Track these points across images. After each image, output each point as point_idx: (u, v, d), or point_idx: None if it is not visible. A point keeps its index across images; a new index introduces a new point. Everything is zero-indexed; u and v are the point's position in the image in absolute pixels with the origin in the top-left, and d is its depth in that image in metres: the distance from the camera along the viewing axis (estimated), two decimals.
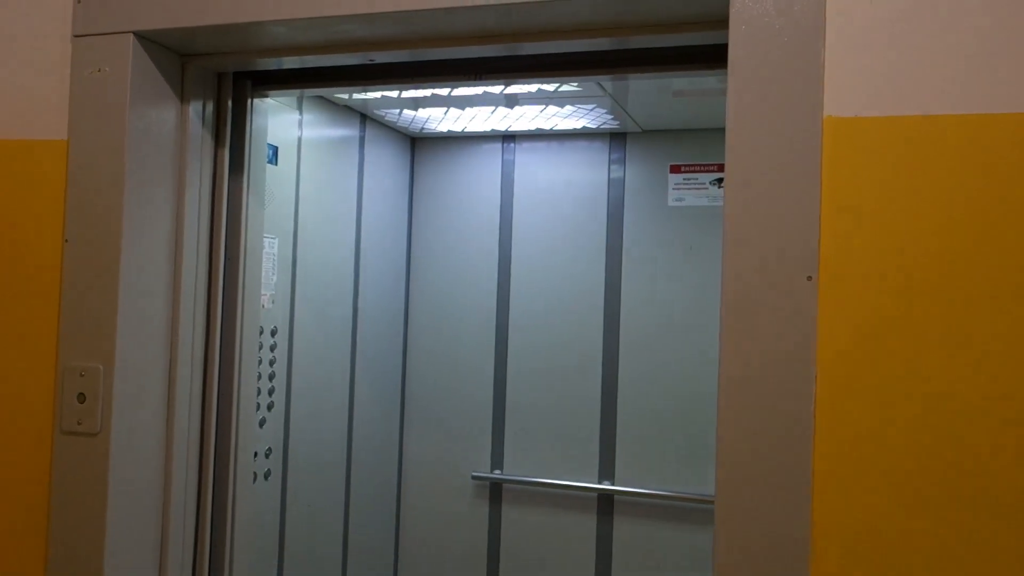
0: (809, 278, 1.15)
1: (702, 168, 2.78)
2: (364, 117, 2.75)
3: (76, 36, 1.59)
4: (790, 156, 1.17)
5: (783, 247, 1.17)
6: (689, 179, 2.79)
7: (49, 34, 1.62)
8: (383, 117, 2.75)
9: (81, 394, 1.53)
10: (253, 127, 1.81)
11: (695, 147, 2.79)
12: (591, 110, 2.56)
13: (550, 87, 2.26)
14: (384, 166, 2.90)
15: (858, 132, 1.16)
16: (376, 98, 2.47)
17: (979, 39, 1.13)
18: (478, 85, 1.89)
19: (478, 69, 1.66)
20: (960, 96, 1.13)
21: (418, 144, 3.10)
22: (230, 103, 1.76)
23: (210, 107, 1.73)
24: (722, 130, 1.21)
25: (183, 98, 1.67)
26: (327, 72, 1.74)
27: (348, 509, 2.72)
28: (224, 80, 1.75)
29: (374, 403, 2.87)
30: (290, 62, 1.67)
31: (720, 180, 2.75)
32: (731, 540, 1.18)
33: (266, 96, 1.84)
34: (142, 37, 1.56)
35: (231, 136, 1.77)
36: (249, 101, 1.79)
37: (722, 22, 1.27)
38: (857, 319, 1.15)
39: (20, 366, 1.60)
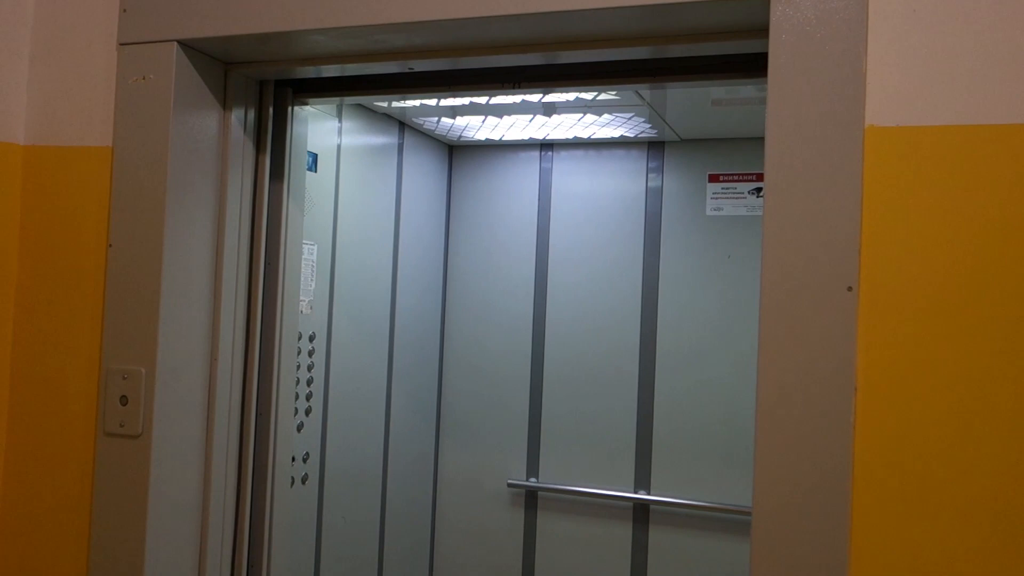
0: (849, 288, 1.14)
1: (740, 177, 2.76)
2: (403, 125, 2.77)
3: (121, 44, 1.61)
4: (831, 166, 1.16)
5: (823, 257, 1.15)
6: (727, 188, 2.78)
7: (94, 42, 1.65)
8: (421, 125, 2.77)
9: (123, 396, 1.56)
10: (293, 134, 1.83)
11: (733, 156, 2.77)
12: (629, 119, 2.55)
13: (588, 96, 2.25)
14: (422, 174, 2.91)
15: (901, 142, 1.14)
16: (415, 106, 2.49)
17: None
18: (516, 94, 1.90)
19: (516, 77, 1.67)
20: (1004, 106, 1.11)
21: (456, 152, 3.12)
22: (271, 111, 1.78)
23: (251, 115, 1.76)
24: (761, 139, 1.20)
25: (225, 105, 1.70)
26: (366, 80, 1.76)
27: (384, 514, 2.73)
28: (266, 88, 1.77)
29: (410, 409, 2.89)
30: (330, 70, 1.69)
31: (759, 189, 2.72)
32: (768, 557, 1.17)
33: (306, 104, 1.86)
34: (185, 45, 1.59)
35: (272, 143, 1.79)
36: (290, 109, 1.81)
37: (762, 31, 1.26)
38: (898, 330, 1.13)
39: (65, 368, 1.63)
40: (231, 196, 1.70)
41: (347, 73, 1.71)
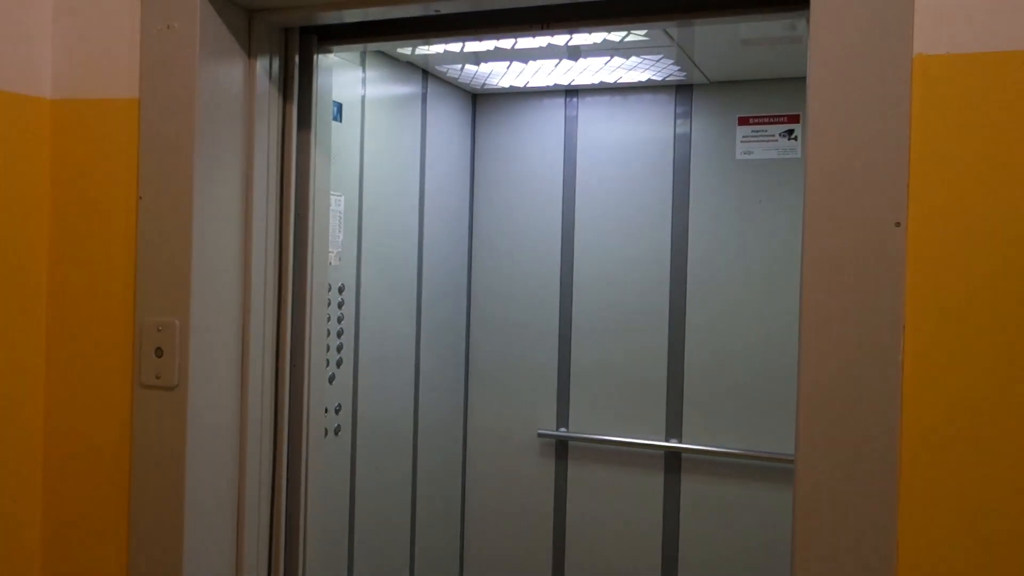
0: (897, 224, 1.11)
1: (771, 120, 2.71)
2: (426, 73, 2.73)
3: None
4: (877, 97, 1.12)
5: (869, 192, 1.12)
6: (758, 131, 2.73)
7: None
8: (445, 73, 2.73)
9: (159, 348, 1.56)
10: (319, 84, 1.80)
11: (764, 98, 2.72)
12: (657, 61, 2.50)
13: (615, 37, 2.21)
14: (446, 123, 2.88)
15: (951, 70, 1.10)
16: (438, 53, 2.45)
17: None
18: (544, 35, 1.85)
19: (544, 17, 1.63)
20: None
21: (479, 100, 3.08)
22: (297, 59, 1.75)
23: (276, 63, 1.73)
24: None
25: (250, 53, 1.67)
26: (391, 25, 1.73)
27: (415, 465, 2.75)
28: (291, 35, 1.74)
29: (439, 360, 2.89)
30: (353, 15, 1.65)
31: (790, 132, 2.67)
32: (813, 502, 1.15)
33: (330, 51, 1.83)
34: None
35: (298, 92, 1.76)
36: (315, 56, 1.79)
37: None
38: (948, 266, 1.10)
39: (100, 322, 1.63)
40: (258, 146, 1.68)
41: (370, 18, 1.67)
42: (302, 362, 1.77)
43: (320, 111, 1.81)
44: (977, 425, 1.10)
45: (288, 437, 1.76)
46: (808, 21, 1.17)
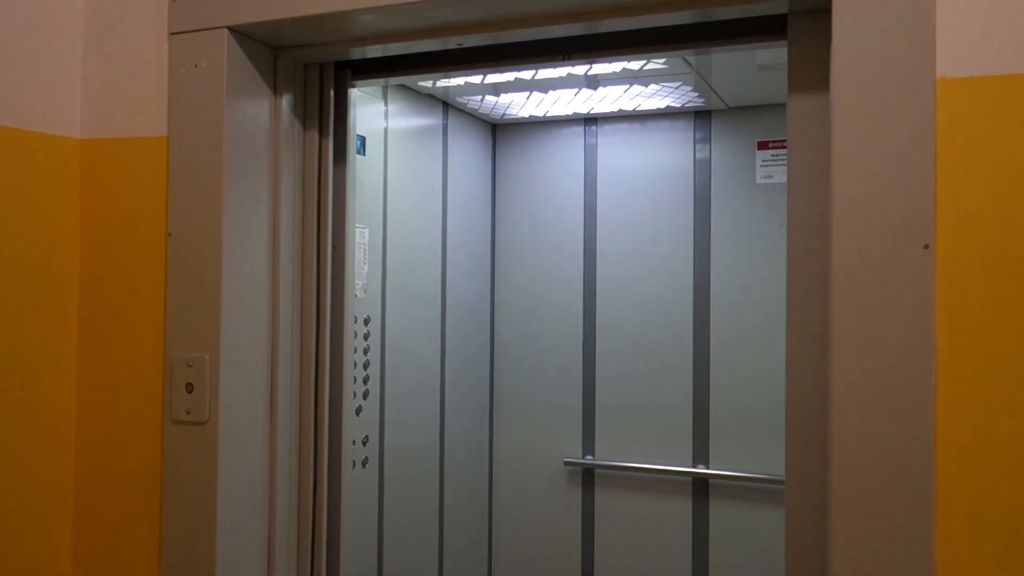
0: (926, 246, 1.11)
1: None
2: (446, 105, 2.76)
3: (172, 34, 1.62)
4: (902, 121, 1.13)
5: (897, 215, 1.13)
6: (778, 155, 2.73)
7: (145, 33, 1.66)
8: (465, 104, 2.76)
9: (189, 384, 1.57)
10: (346, 117, 1.82)
11: (783, 122, 2.72)
12: (676, 88, 2.52)
13: (635, 66, 2.23)
14: (467, 154, 2.90)
15: (975, 93, 1.11)
16: (459, 85, 2.48)
17: None
18: (565, 65, 1.88)
19: (565, 49, 1.65)
20: None
21: (499, 130, 3.10)
22: (332, 93, 1.78)
23: (300, 98, 1.75)
24: None
25: (276, 90, 1.70)
26: (415, 59, 1.75)
27: (442, 496, 2.74)
28: (326, 70, 1.76)
29: (464, 390, 2.89)
30: (375, 51, 1.68)
31: None
32: (848, 526, 1.15)
33: (354, 86, 1.85)
34: (235, 32, 1.59)
35: (319, 126, 1.78)
36: (349, 91, 1.81)
37: None
38: (978, 287, 1.10)
39: (130, 358, 1.65)
40: (285, 181, 1.71)
41: (391, 53, 1.70)
42: (331, 395, 1.78)
43: (347, 144, 1.84)
44: (1013, 445, 1.09)
45: (316, 471, 1.76)
46: (831, 48, 1.18)
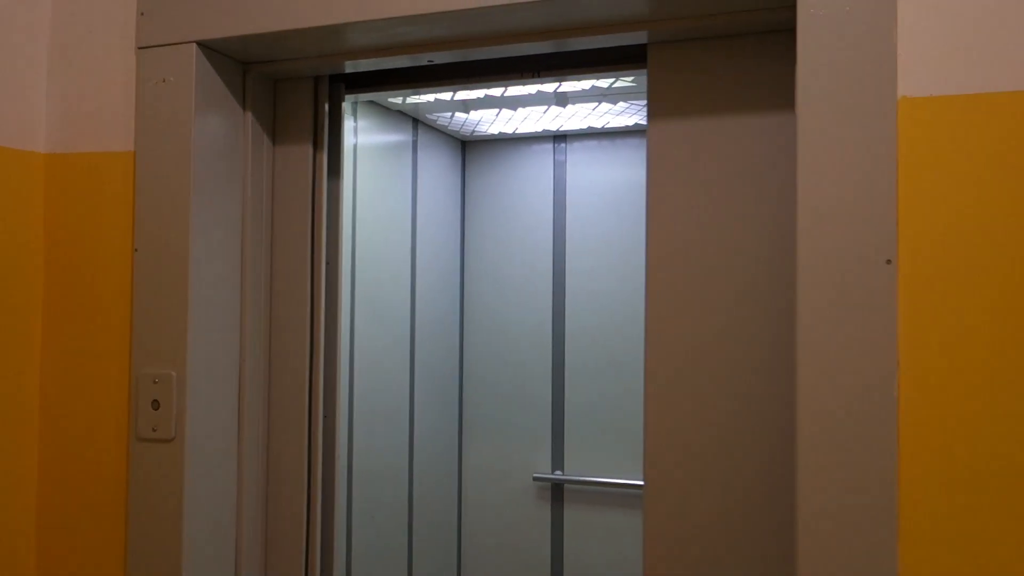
0: (888, 261, 1.13)
1: None
2: (416, 121, 2.76)
3: (140, 48, 1.61)
4: (864, 139, 1.15)
5: (860, 230, 1.14)
6: None
7: (113, 47, 1.65)
8: (435, 121, 2.76)
9: (155, 400, 1.55)
10: (339, 130, 1.83)
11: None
12: (644, 106, 2.54)
13: (604, 83, 2.24)
14: (436, 170, 2.91)
15: (935, 111, 1.13)
16: (429, 102, 2.48)
17: None
18: (535, 83, 1.89)
19: (536, 66, 1.66)
20: None
21: (469, 147, 3.11)
22: (327, 106, 1.77)
23: (270, 113, 1.75)
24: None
25: (245, 105, 1.69)
26: (389, 75, 1.75)
27: (411, 512, 2.73)
28: (320, 84, 1.76)
29: (433, 406, 2.88)
30: (349, 66, 1.68)
31: None
32: (814, 544, 1.16)
33: (345, 99, 1.84)
34: (204, 46, 1.58)
35: (314, 140, 1.77)
36: (332, 105, 1.81)
37: (788, 7, 1.25)
38: (940, 302, 1.12)
39: (95, 375, 1.63)
40: (254, 195, 1.70)
41: (360, 69, 1.70)
42: (325, 411, 1.77)
43: (340, 159, 1.83)
44: (976, 457, 1.11)
45: (309, 486, 1.74)
46: (796, 66, 1.20)
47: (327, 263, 1.77)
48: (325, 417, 1.76)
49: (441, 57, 1.59)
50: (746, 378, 1.41)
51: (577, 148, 2.99)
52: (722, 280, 1.44)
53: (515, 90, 2.31)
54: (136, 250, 1.60)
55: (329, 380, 1.77)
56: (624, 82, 2.24)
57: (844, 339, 1.15)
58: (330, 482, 1.76)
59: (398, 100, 2.49)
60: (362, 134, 2.45)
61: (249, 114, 1.70)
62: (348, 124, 2.39)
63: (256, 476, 1.70)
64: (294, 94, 1.76)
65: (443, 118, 2.72)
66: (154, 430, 1.56)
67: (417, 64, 1.65)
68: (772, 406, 1.39)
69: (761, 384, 1.40)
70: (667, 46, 1.48)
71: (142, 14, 1.61)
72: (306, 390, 1.73)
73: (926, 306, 1.13)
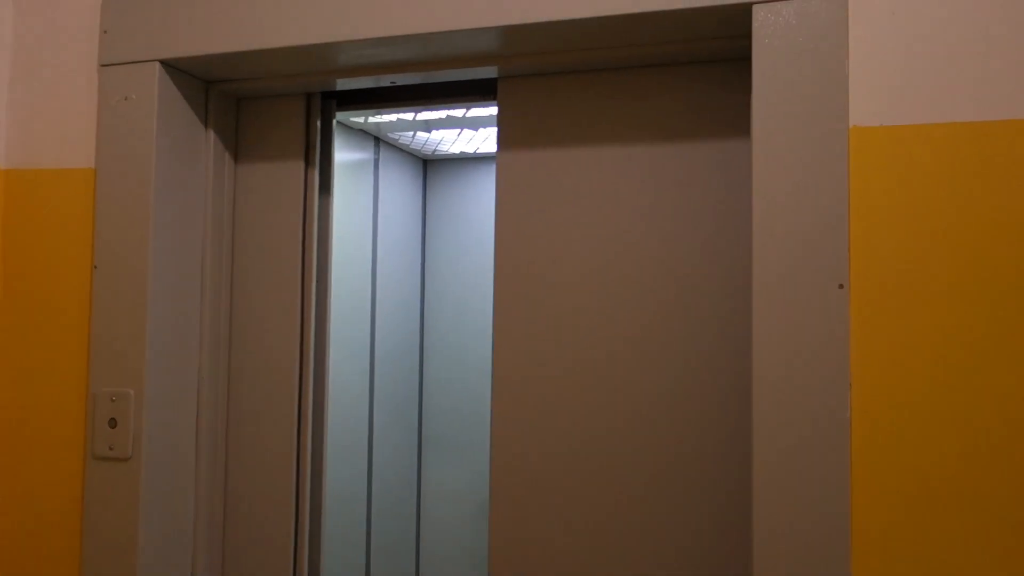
0: (841, 286, 1.16)
1: None
2: (378, 140, 2.77)
3: (103, 66, 1.61)
4: (817, 167, 1.18)
5: (813, 256, 1.18)
6: None
7: (75, 64, 1.64)
8: (397, 140, 2.78)
9: (112, 419, 1.54)
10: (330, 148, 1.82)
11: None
12: None
13: None
14: (398, 189, 2.92)
15: (884, 141, 1.17)
16: (391, 121, 2.49)
17: (1004, 45, 1.14)
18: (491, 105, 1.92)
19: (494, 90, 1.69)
20: (985, 102, 1.14)
21: (430, 166, 3.13)
22: (319, 124, 1.77)
23: (231, 131, 1.75)
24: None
25: (207, 123, 1.69)
26: (365, 94, 1.76)
27: (369, 535, 2.72)
28: (312, 101, 1.76)
29: (392, 428, 2.88)
30: (317, 85, 1.69)
31: None
32: (769, 554, 1.19)
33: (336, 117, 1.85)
34: (168, 65, 1.59)
35: (306, 157, 1.76)
36: (333, 122, 1.82)
37: (744, 36, 1.28)
38: (891, 325, 1.16)
39: (52, 392, 1.62)
40: (214, 214, 1.70)
41: (328, 88, 1.72)
42: (314, 427, 1.77)
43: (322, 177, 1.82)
44: (926, 478, 1.14)
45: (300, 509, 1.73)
46: (752, 95, 1.24)
47: (317, 280, 1.76)
48: (314, 433, 1.75)
49: (403, 79, 1.61)
50: (585, 391, 1.54)
51: None
52: (561, 297, 1.55)
53: (476, 111, 2.33)
54: (95, 267, 1.59)
55: (319, 396, 1.76)
56: None
57: (798, 362, 1.18)
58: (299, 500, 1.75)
59: (360, 119, 2.50)
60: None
61: (211, 132, 1.70)
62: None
63: (213, 495, 1.69)
64: (270, 112, 1.76)
65: (405, 137, 2.73)
66: (111, 448, 1.54)
67: (379, 85, 1.67)
68: (610, 414, 1.50)
69: (601, 394, 1.52)
70: (516, 80, 1.59)
71: (105, 32, 1.61)
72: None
73: (877, 328, 1.16)
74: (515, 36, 1.41)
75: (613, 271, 1.52)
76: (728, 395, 1.41)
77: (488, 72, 1.57)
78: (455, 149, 2.90)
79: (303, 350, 1.73)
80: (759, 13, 1.22)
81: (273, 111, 1.76)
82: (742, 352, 1.40)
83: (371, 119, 2.48)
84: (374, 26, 1.43)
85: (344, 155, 2.58)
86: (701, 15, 1.27)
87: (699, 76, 1.47)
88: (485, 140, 2.75)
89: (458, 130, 2.61)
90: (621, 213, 1.52)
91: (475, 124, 2.52)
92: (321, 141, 1.77)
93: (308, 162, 1.74)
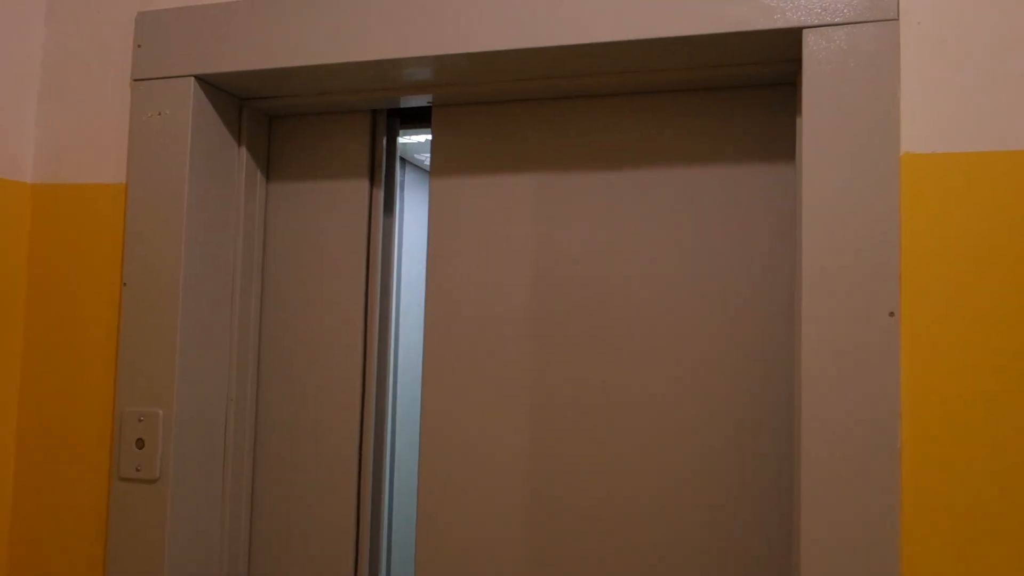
0: (891, 314, 1.14)
1: None
2: (405, 162, 2.76)
3: (136, 80, 1.60)
4: (868, 194, 1.17)
5: (863, 284, 1.16)
6: None
7: (107, 78, 1.63)
8: (422, 162, 2.77)
9: (140, 440, 1.52)
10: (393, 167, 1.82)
11: None
12: None
13: None
14: (420, 210, 2.90)
15: (937, 168, 1.15)
16: (419, 142, 2.48)
17: None
18: None
19: None
20: None
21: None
22: (384, 142, 1.76)
23: (264, 149, 1.74)
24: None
25: (240, 141, 1.68)
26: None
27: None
28: (379, 119, 1.74)
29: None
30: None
31: None
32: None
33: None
34: (202, 81, 1.58)
35: (371, 176, 1.75)
36: (397, 139, 1.84)
37: (794, 61, 1.27)
38: (943, 354, 1.14)
39: (76, 412, 1.59)
40: (246, 232, 1.69)
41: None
42: (376, 447, 1.74)
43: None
44: (979, 512, 1.12)
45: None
46: (799, 121, 1.22)
47: (381, 297, 1.73)
48: (360, 466, 1.71)
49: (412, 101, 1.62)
50: (515, 405, 1.57)
51: None
52: (488, 317, 1.61)
53: None
54: (125, 284, 1.57)
55: (380, 425, 1.73)
56: None
57: (846, 391, 1.16)
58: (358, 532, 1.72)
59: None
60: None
61: (244, 149, 1.69)
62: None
63: (241, 519, 1.67)
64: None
65: (427, 158, 2.72)
66: (138, 470, 1.52)
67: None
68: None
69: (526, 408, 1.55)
70: (449, 108, 1.65)
71: (139, 46, 1.60)
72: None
73: (928, 358, 1.14)
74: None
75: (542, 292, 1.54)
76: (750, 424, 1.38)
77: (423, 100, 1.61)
78: None
79: (366, 370, 1.70)
80: (809, 38, 1.21)
81: (323, 129, 1.75)
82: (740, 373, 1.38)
83: (401, 139, 2.46)
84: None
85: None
86: (750, 39, 1.26)
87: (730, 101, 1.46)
88: None
89: None
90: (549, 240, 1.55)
91: None
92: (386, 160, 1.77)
93: (373, 181, 1.73)
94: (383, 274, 1.74)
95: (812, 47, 1.21)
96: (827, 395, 1.16)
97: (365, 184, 1.71)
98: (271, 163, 1.76)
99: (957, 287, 1.14)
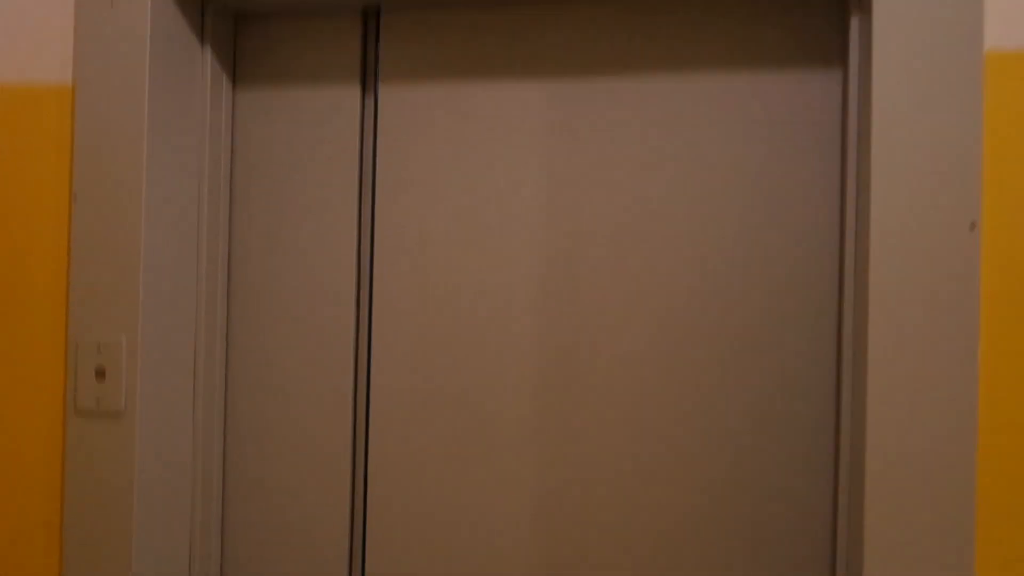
0: (972, 225, 1.06)
1: None
2: None
3: None
4: (947, 96, 1.07)
5: (941, 193, 1.07)
6: None
7: None
8: None
9: (100, 369, 1.34)
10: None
11: None
12: None
13: None
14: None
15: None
16: None
17: None
18: None
19: None
20: None
21: None
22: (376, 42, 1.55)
23: (229, 51, 1.55)
24: None
25: (203, 40, 1.49)
26: None
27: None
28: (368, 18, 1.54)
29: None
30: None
31: None
32: (886, 498, 1.08)
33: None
34: None
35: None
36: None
37: None
38: None
39: (22, 341, 1.40)
40: (211, 142, 1.50)
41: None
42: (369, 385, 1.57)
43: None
44: None
45: None
46: (871, 19, 1.11)
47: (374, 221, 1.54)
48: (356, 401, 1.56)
49: None
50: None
51: None
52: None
53: None
54: (75, 197, 1.38)
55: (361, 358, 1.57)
56: None
57: (921, 309, 1.07)
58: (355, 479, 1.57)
59: None
60: None
61: (208, 50, 1.49)
62: None
63: (213, 451, 1.50)
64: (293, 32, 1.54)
65: None
66: (98, 402, 1.34)
67: None
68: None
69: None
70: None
71: None
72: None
73: (1011, 274, 1.06)
74: None
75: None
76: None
77: None
78: None
79: (359, 295, 1.53)
80: None
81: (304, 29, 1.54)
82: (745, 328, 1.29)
83: None
84: None
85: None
86: None
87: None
88: None
89: None
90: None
91: None
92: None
93: (365, 88, 1.54)
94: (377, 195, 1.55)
95: None
96: (897, 314, 1.07)
97: (355, 92, 1.53)
98: (238, 66, 1.57)
99: None
